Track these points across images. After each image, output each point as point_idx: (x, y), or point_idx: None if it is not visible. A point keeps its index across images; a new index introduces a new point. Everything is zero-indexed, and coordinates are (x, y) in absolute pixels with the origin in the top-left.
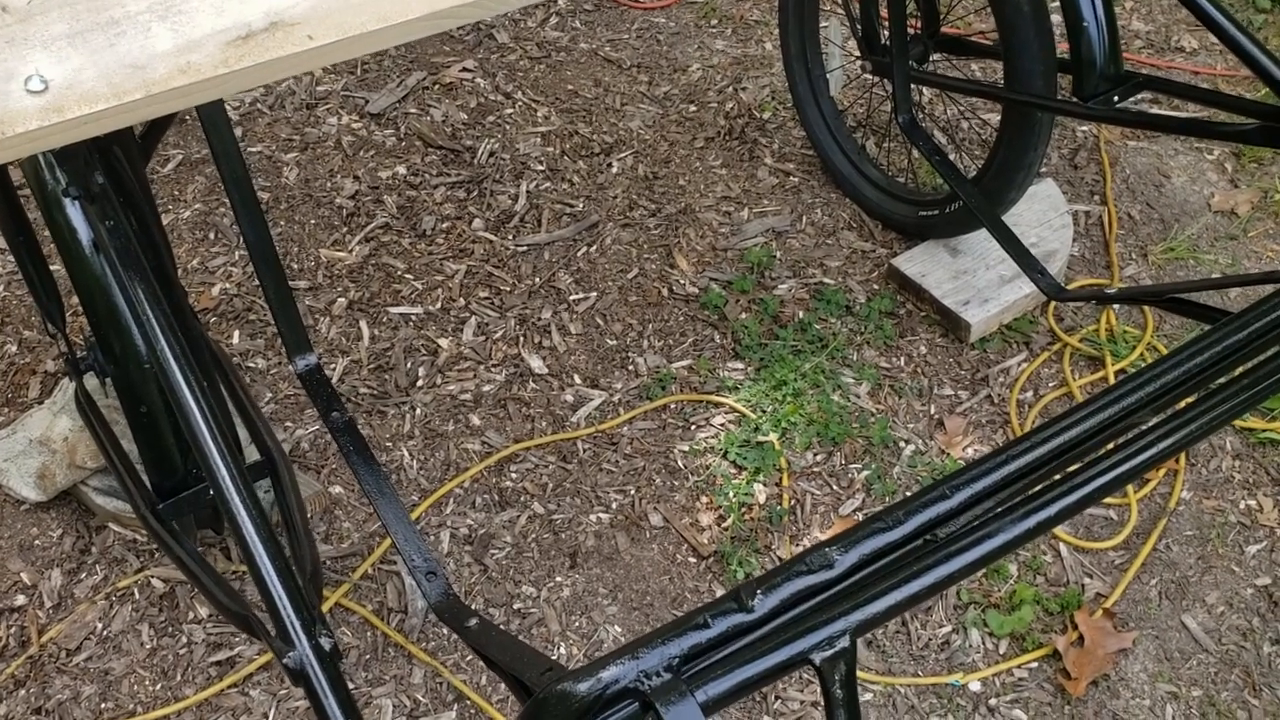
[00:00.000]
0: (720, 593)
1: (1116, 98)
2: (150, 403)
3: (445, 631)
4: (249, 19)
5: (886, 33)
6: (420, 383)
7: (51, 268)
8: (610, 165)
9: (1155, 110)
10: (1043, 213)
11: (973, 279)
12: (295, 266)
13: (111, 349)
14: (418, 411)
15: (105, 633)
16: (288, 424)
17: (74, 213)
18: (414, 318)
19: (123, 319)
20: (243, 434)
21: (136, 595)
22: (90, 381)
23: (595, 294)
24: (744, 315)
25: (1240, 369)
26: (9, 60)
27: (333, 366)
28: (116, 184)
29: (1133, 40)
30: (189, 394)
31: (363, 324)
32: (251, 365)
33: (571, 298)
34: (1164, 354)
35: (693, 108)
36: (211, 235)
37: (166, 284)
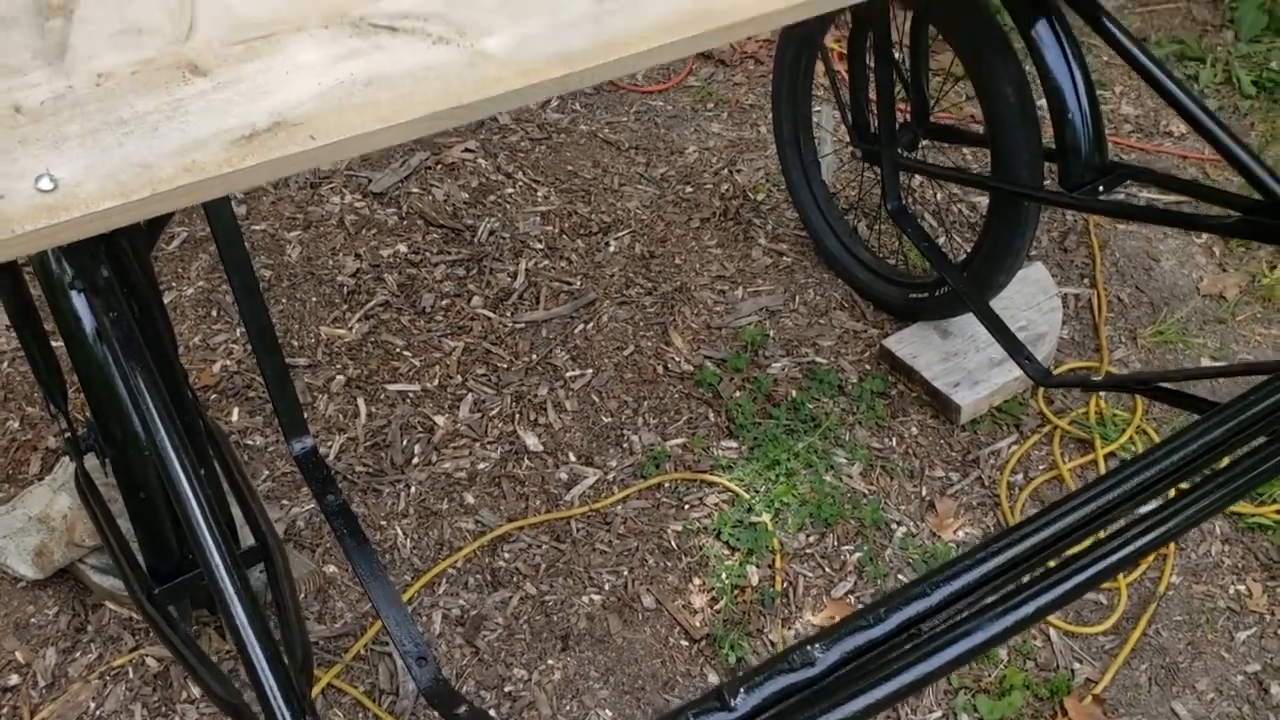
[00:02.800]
0: (712, 678)
1: (1102, 188)
2: (148, 489)
3: (437, 716)
4: (253, 119)
5: (876, 120)
6: (415, 460)
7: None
8: (608, 244)
9: (1145, 195)
10: (1032, 295)
11: (963, 361)
12: (295, 344)
13: (111, 434)
14: (412, 489)
15: (99, 712)
16: (283, 502)
17: (79, 304)
18: (411, 395)
19: (123, 406)
20: (238, 513)
21: (130, 674)
22: (90, 460)
23: (591, 371)
24: (738, 393)
25: (1229, 458)
26: (21, 159)
27: (329, 444)
28: (121, 273)
29: (1121, 124)
30: (185, 483)
31: (360, 401)
32: (250, 443)
33: (568, 374)
34: (1154, 443)
35: (689, 189)
36: (214, 312)
37: (168, 369)
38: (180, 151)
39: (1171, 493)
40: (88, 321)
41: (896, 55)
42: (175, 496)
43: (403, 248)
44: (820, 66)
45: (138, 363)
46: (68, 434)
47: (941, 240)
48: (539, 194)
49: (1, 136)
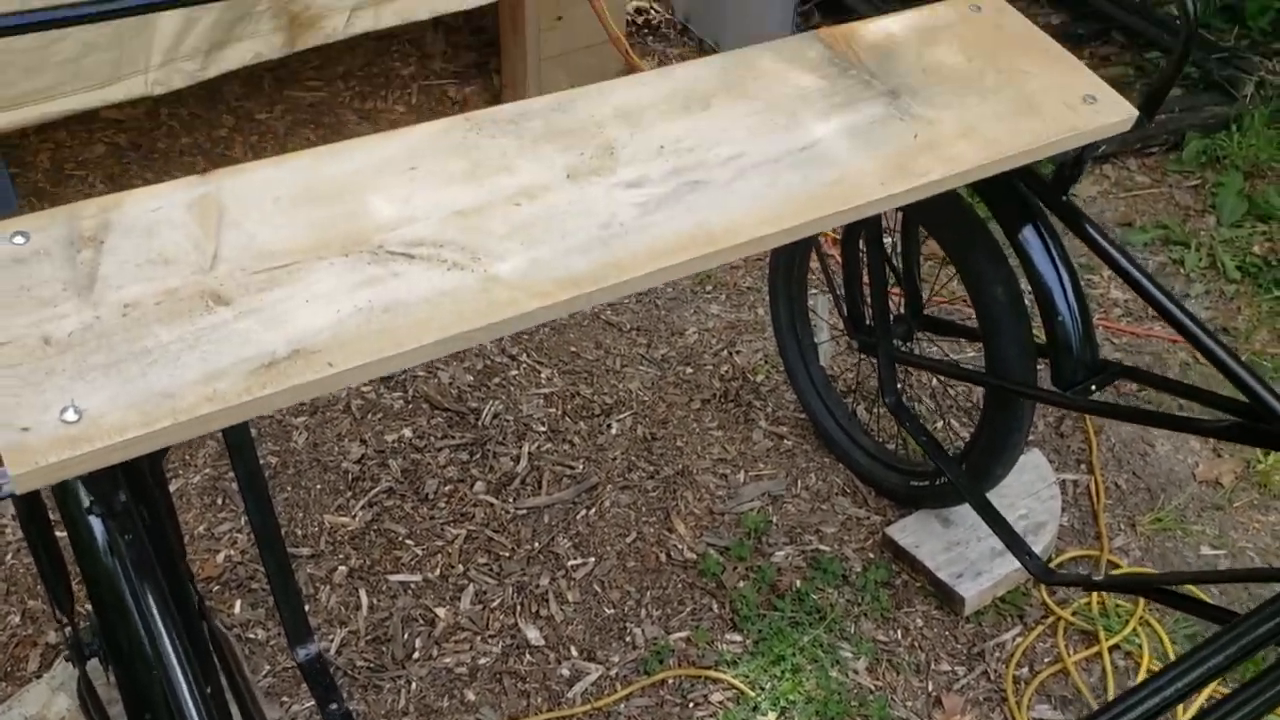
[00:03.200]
0: None
1: (1094, 386)
2: (153, 707)
3: None
4: (273, 347)
5: (871, 313)
6: (416, 655)
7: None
8: (610, 426)
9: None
10: (1030, 483)
11: (965, 550)
12: (299, 532)
13: (118, 647)
14: (413, 686)
15: None
16: (284, 699)
17: (95, 526)
18: (413, 585)
19: (132, 623)
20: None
21: None
22: (92, 662)
23: (594, 559)
24: (741, 583)
25: (1254, 671)
26: (47, 391)
27: (330, 638)
28: (136, 490)
29: (1111, 308)
30: (191, 705)
31: (362, 593)
32: (251, 636)
33: (570, 563)
34: (1171, 660)
35: (689, 370)
36: (219, 500)
37: (176, 579)
38: (202, 381)
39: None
40: (102, 543)
41: (888, 245)
42: (179, 715)
43: (408, 432)
44: (816, 255)
45: (148, 580)
46: (72, 641)
47: (939, 424)
48: (542, 375)
49: (30, 368)
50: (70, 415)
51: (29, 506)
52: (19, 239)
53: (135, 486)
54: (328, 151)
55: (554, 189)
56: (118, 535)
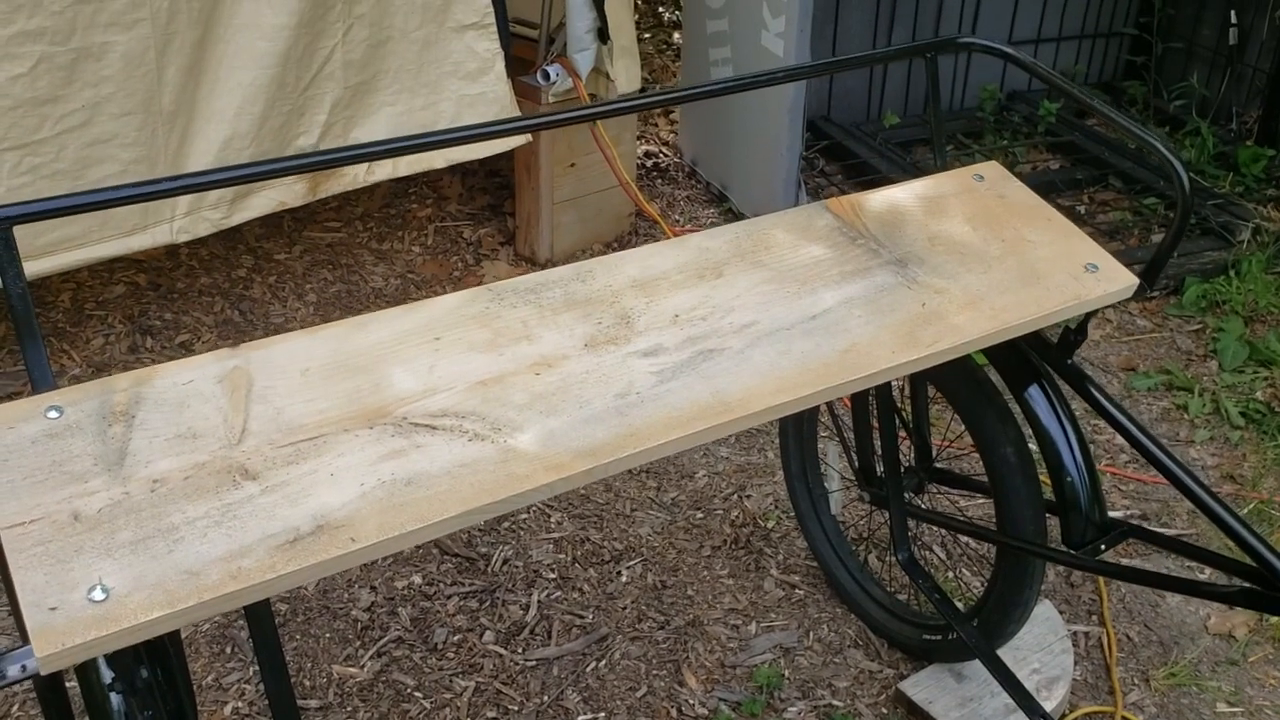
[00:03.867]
0: None
1: (1104, 546)
2: None
3: None
4: (297, 523)
5: (881, 466)
6: None
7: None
8: (620, 574)
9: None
10: (1042, 636)
11: (979, 707)
12: (307, 683)
13: None
14: None
15: None
16: None
17: (115, 703)
18: None
19: None
20: None
21: None
22: None
23: (604, 715)
24: None
25: None
26: (75, 570)
27: None
28: (155, 659)
29: (1118, 454)
30: None
31: None
32: None
33: (580, 718)
34: None
35: (699, 514)
36: (228, 649)
37: None
38: (227, 558)
39: None
40: (119, 713)
41: (896, 397)
42: None
43: (417, 579)
44: (824, 406)
45: None
46: None
47: (950, 575)
48: (552, 520)
49: (59, 545)
50: (98, 594)
51: (49, 677)
52: (53, 413)
53: (155, 656)
54: (355, 324)
55: (572, 358)
56: (137, 711)
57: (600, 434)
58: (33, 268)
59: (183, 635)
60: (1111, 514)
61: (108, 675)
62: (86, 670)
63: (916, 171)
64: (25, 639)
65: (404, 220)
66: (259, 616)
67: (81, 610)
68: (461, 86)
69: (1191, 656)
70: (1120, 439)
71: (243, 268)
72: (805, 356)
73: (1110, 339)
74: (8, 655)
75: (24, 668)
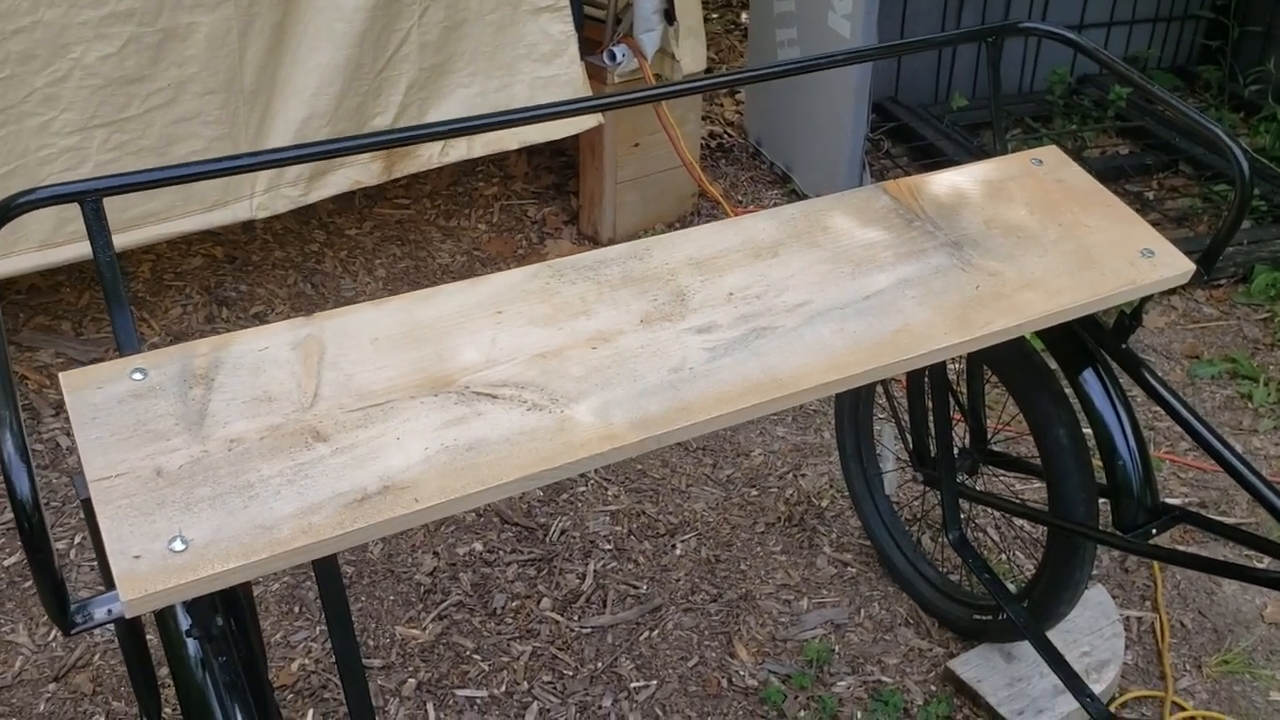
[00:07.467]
0: None
1: (1155, 530)
2: None
3: None
4: (364, 483)
5: (935, 447)
6: None
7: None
8: (674, 546)
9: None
10: (1093, 619)
11: (1028, 687)
12: (371, 643)
13: None
14: None
15: None
16: None
17: (192, 647)
18: (479, 701)
19: None
20: None
21: None
22: None
23: (655, 682)
24: (802, 713)
25: None
26: (158, 521)
27: None
28: (230, 609)
29: (1178, 442)
30: None
31: (430, 707)
32: None
33: (632, 685)
34: None
35: (754, 492)
36: (296, 609)
37: (263, 701)
38: (298, 514)
39: None
40: (196, 662)
41: (953, 379)
42: None
43: (478, 545)
44: (880, 387)
45: (238, 701)
46: None
47: (1003, 557)
48: (609, 493)
49: (143, 499)
50: (178, 545)
51: (129, 623)
52: (138, 375)
53: (229, 607)
54: (422, 296)
55: (628, 333)
56: (212, 657)
57: (653, 407)
58: (118, 240)
59: (255, 593)
60: (1168, 500)
61: (185, 622)
62: (165, 617)
63: (982, 155)
64: (110, 585)
65: (471, 198)
66: (327, 574)
67: (163, 559)
68: (535, 69)
69: (1246, 644)
70: (1178, 426)
71: (315, 242)
72: (857, 336)
73: (1175, 326)
74: (95, 600)
75: (110, 611)
